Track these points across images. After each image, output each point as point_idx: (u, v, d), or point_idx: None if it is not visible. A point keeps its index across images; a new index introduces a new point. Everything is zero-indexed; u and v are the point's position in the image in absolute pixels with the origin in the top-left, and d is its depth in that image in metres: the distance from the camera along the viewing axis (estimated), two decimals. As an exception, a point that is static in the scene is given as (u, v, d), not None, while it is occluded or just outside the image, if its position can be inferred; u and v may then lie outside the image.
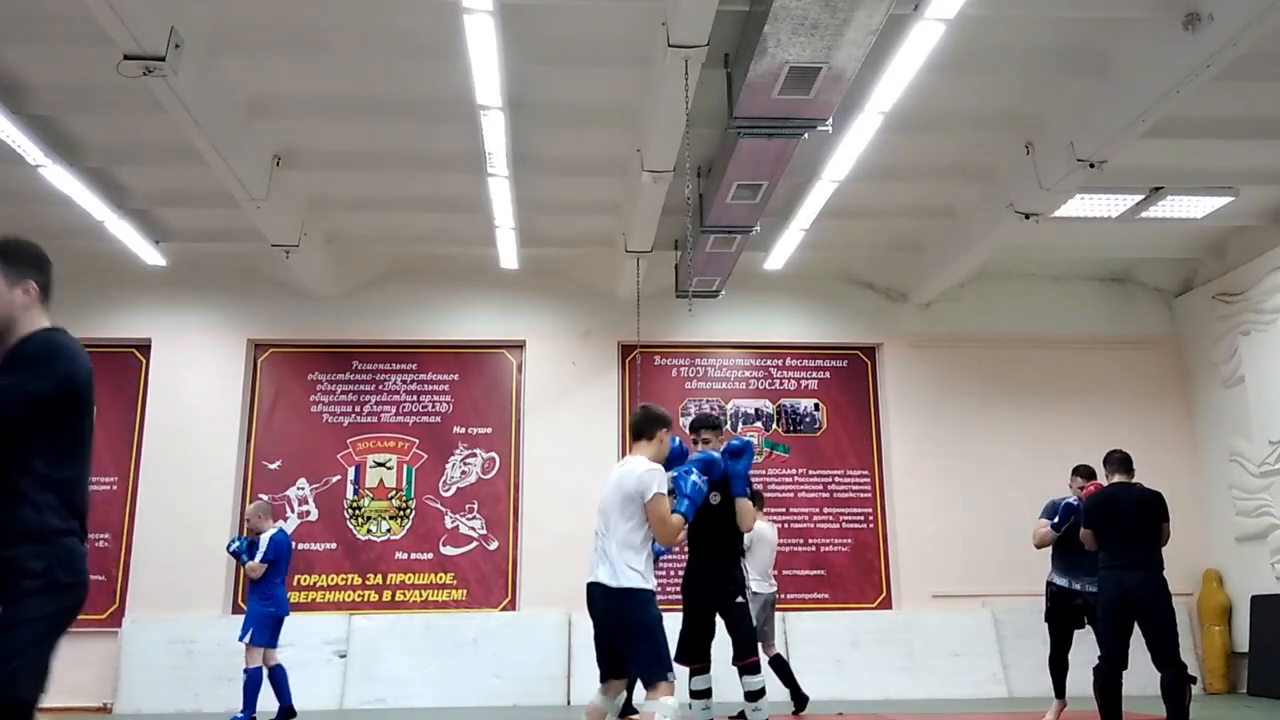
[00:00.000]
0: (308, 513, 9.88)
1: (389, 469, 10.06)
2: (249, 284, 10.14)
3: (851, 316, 10.58)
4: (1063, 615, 6.66)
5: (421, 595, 9.77)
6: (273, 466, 9.95)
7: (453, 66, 6.30)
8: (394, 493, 10.01)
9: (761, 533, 7.60)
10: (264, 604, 7.39)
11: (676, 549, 8.54)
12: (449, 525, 9.96)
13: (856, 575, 10.13)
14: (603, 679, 4.52)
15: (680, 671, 5.24)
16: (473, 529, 9.97)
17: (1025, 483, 9.42)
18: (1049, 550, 6.80)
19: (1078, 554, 6.28)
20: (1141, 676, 5.89)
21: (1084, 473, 6.69)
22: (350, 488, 10.00)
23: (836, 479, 10.36)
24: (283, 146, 7.82)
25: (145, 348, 10.01)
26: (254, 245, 8.98)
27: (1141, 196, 8.38)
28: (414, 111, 7.27)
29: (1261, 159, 8.14)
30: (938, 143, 7.97)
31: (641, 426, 4.60)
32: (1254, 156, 8.10)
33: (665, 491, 4.33)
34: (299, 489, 9.93)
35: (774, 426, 10.44)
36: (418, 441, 10.15)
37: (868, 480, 10.40)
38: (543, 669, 9.20)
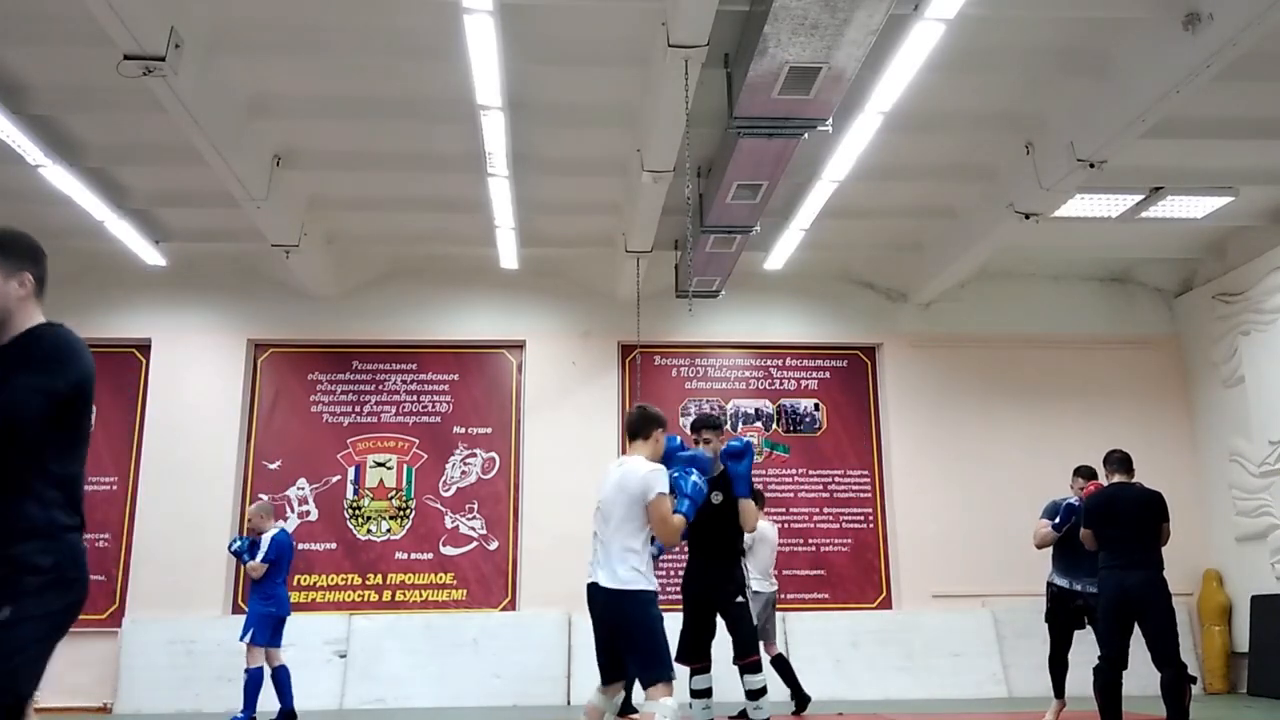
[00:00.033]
0: (308, 513, 9.88)
1: (389, 469, 10.07)
2: (249, 284, 10.14)
3: (851, 316, 10.58)
4: (1063, 616, 6.66)
5: (421, 595, 9.77)
6: (273, 466, 9.95)
7: (453, 66, 6.30)
8: (394, 493, 10.01)
9: (763, 532, 7.61)
10: (265, 604, 7.39)
11: (676, 548, 8.55)
12: (449, 525, 9.96)
13: (856, 575, 10.13)
14: (603, 679, 4.52)
15: (681, 671, 5.26)
16: (473, 529, 9.97)
17: (1025, 483, 9.42)
18: (1049, 550, 6.80)
19: (1078, 555, 6.28)
20: (1141, 676, 5.89)
21: (1085, 473, 6.69)
22: (350, 488, 10.00)
23: (836, 479, 10.37)
24: (283, 146, 7.83)
25: (145, 348, 10.02)
26: (254, 245, 8.99)
27: (1141, 196, 8.38)
28: (414, 111, 7.27)
29: (1261, 159, 8.14)
30: (938, 143, 7.97)
31: (637, 426, 4.60)
32: (1254, 156, 8.10)
33: (667, 492, 4.34)
34: (299, 489, 9.93)
35: (774, 426, 10.44)
36: (418, 441, 10.15)
37: (868, 480, 10.40)
38: (543, 669, 9.21)
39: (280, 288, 10.05)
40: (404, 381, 10.30)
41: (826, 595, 10.03)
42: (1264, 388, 9.32)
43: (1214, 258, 10.20)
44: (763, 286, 10.24)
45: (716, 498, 5.36)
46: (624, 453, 4.68)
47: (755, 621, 6.00)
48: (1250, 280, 9.53)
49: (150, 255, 9.37)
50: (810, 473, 10.35)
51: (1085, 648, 6.05)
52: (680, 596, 5.64)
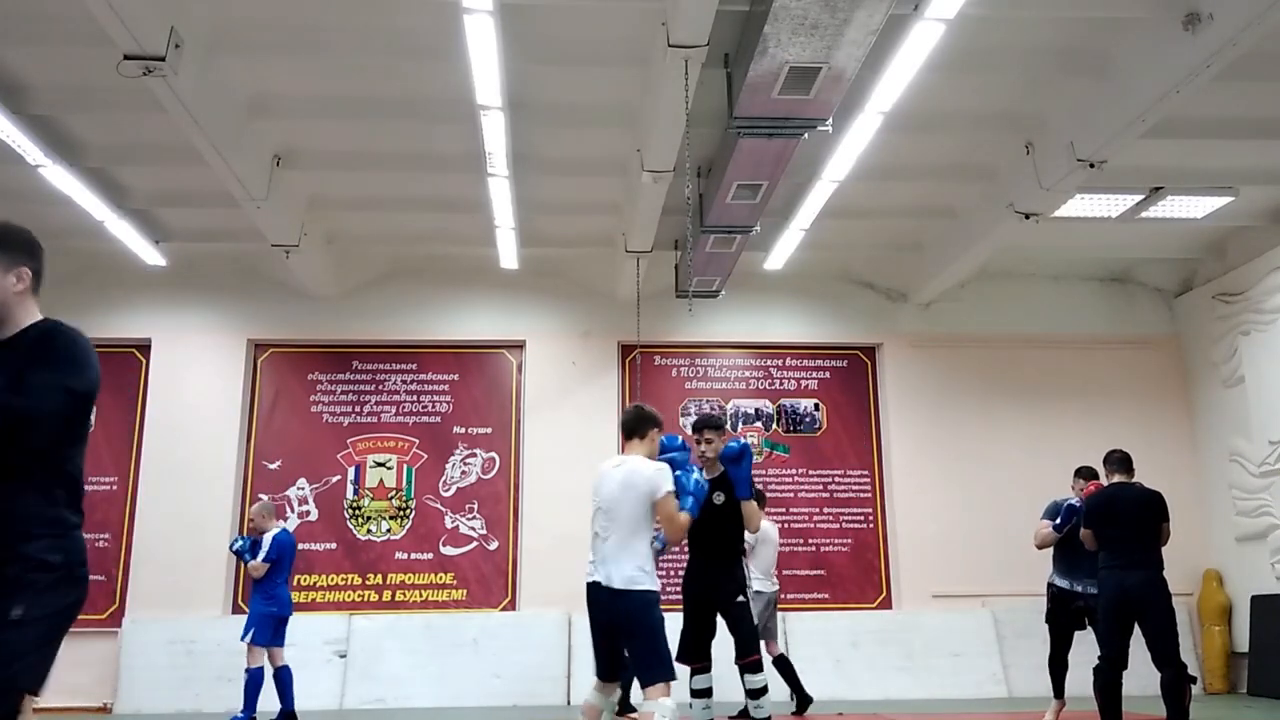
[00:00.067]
0: (308, 513, 9.88)
1: (389, 469, 10.07)
2: (249, 284, 10.14)
3: (851, 316, 10.59)
4: (1063, 616, 6.65)
5: (421, 595, 9.77)
6: (273, 466, 9.95)
7: (453, 66, 6.30)
8: (394, 493, 10.01)
9: (765, 533, 7.61)
10: (267, 604, 7.38)
11: (676, 548, 8.56)
12: (449, 525, 9.96)
13: (856, 575, 10.13)
14: (599, 678, 4.53)
15: (681, 671, 5.27)
16: (473, 529, 9.97)
17: (1025, 483, 9.42)
18: (1049, 551, 6.79)
19: (1079, 555, 6.26)
20: (1141, 676, 5.89)
21: (1086, 474, 6.67)
22: (350, 488, 10.00)
23: (836, 479, 10.37)
24: (283, 146, 7.83)
25: (145, 348, 10.02)
26: (254, 245, 8.99)
27: (1141, 196, 8.38)
28: (414, 111, 7.27)
29: (1261, 159, 8.14)
30: (938, 143, 7.97)
31: (634, 425, 4.63)
32: (1254, 156, 8.10)
33: (674, 489, 4.38)
34: (299, 489, 9.93)
35: (774, 426, 10.44)
36: (418, 441, 10.15)
37: (868, 480, 10.40)
38: (543, 669, 9.21)
39: (280, 288, 10.05)
40: (404, 381, 10.30)
41: (826, 595, 10.03)
42: (1264, 388, 9.32)
43: (1214, 258, 10.20)
44: (763, 286, 10.25)
45: (718, 498, 5.37)
46: (622, 452, 4.69)
47: (756, 621, 6.00)
48: (1250, 280, 9.53)
49: (150, 255, 9.38)
50: (810, 473, 10.35)
51: (1085, 648, 6.05)
52: (680, 596, 5.64)
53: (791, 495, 10.24)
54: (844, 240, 9.73)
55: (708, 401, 10.43)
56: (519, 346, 10.42)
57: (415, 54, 6.55)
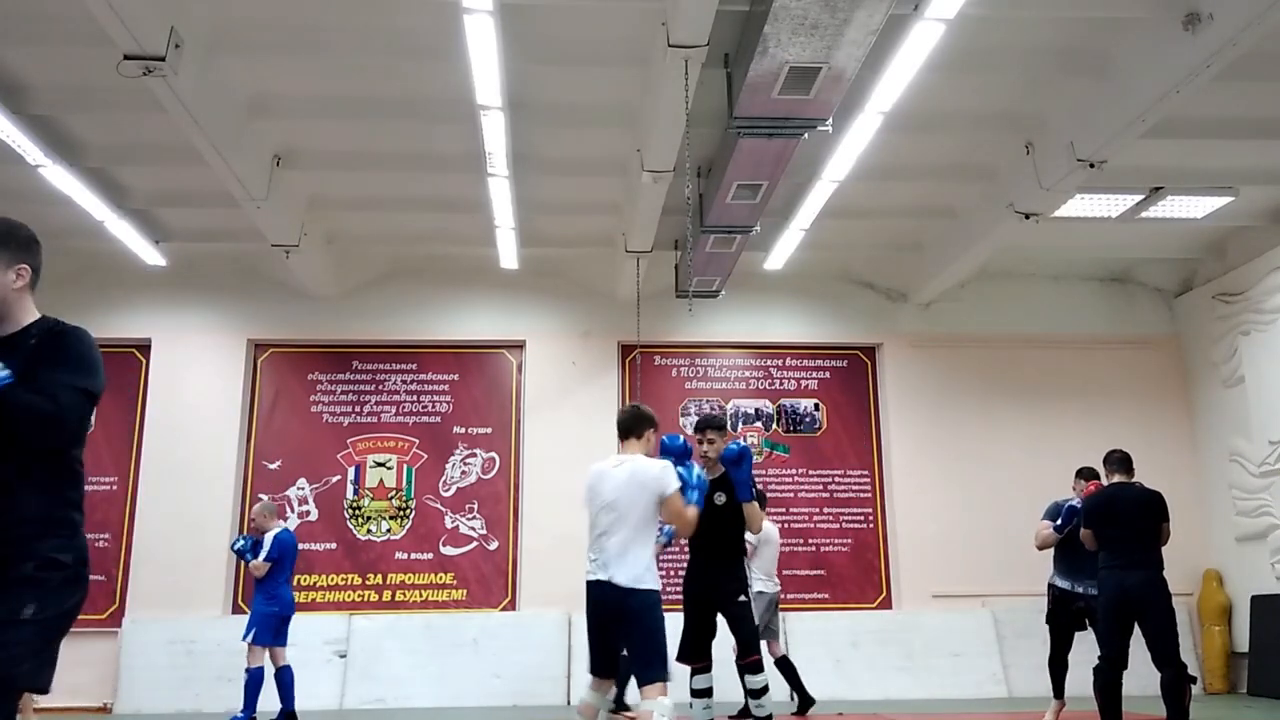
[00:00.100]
0: (308, 513, 9.88)
1: (389, 469, 10.07)
2: (249, 284, 10.14)
3: (851, 316, 10.58)
4: (1064, 617, 6.64)
5: (421, 595, 9.77)
6: (273, 466, 9.95)
7: (453, 66, 6.30)
8: (394, 493, 10.01)
9: (767, 533, 7.60)
10: (268, 604, 7.38)
11: (676, 547, 8.56)
12: (449, 525, 9.96)
13: (856, 575, 10.13)
14: (597, 675, 4.54)
15: (681, 671, 5.28)
16: (473, 529, 9.97)
17: (1025, 483, 9.43)
18: (1050, 551, 6.79)
19: (1080, 556, 6.25)
20: (1141, 676, 5.89)
21: (1087, 474, 6.66)
22: (350, 488, 10.00)
23: (836, 479, 10.37)
24: (283, 146, 7.83)
25: (145, 348, 10.03)
26: (254, 245, 8.99)
27: (1141, 196, 8.38)
28: (414, 111, 7.27)
29: (1261, 159, 8.14)
30: (938, 143, 7.97)
31: (630, 425, 4.68)
32: (1254, 156, 8.10)
33: (680, 486, 4.48)
34: (299, 489, 9.93)
35: (774, 426, 10.44)
36: (418, 441, 10.15)
37: (868, 480, 10.40)
38: (543, 669, 9.21)
39: (280, 288, 10.05)
40: (404, 381, 10.30)
41: (826, 595, 10.03)
42: (1264, 388, 9.32)
43: (1214, 258, 10.20)
44: (763, 286, 10.25)
45: (719, 498, 5.37)
46: (619, 452, 4.71)
47: (758, 622, 6.00)
48: (1250, 280, 9.53)
49: (150, 255, 9.38)
50: (810, 473, 10.35)
51: (1085, 648, 6.05)
52: (680, 596, 5.64)
53: (791, 495, 10.24)
54: (844, 240, 9.73)
55: (708, 401, 10.43)
56: (519, 346, 10.42)
57: (415, 54, 6.55)
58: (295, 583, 9.28)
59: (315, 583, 9.69)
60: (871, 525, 10.28)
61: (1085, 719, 6.07)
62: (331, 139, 7.83)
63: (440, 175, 8.28)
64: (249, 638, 7.32)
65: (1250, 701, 8.86)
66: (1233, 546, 9.70)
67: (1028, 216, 8.12)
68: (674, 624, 4.98)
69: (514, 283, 10.19)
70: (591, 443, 9.72)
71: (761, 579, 7.50)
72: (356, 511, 9.94)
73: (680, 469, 4.61)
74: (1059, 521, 6.52)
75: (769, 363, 10.61)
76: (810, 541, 10.16)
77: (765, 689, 5.45)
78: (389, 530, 9.91)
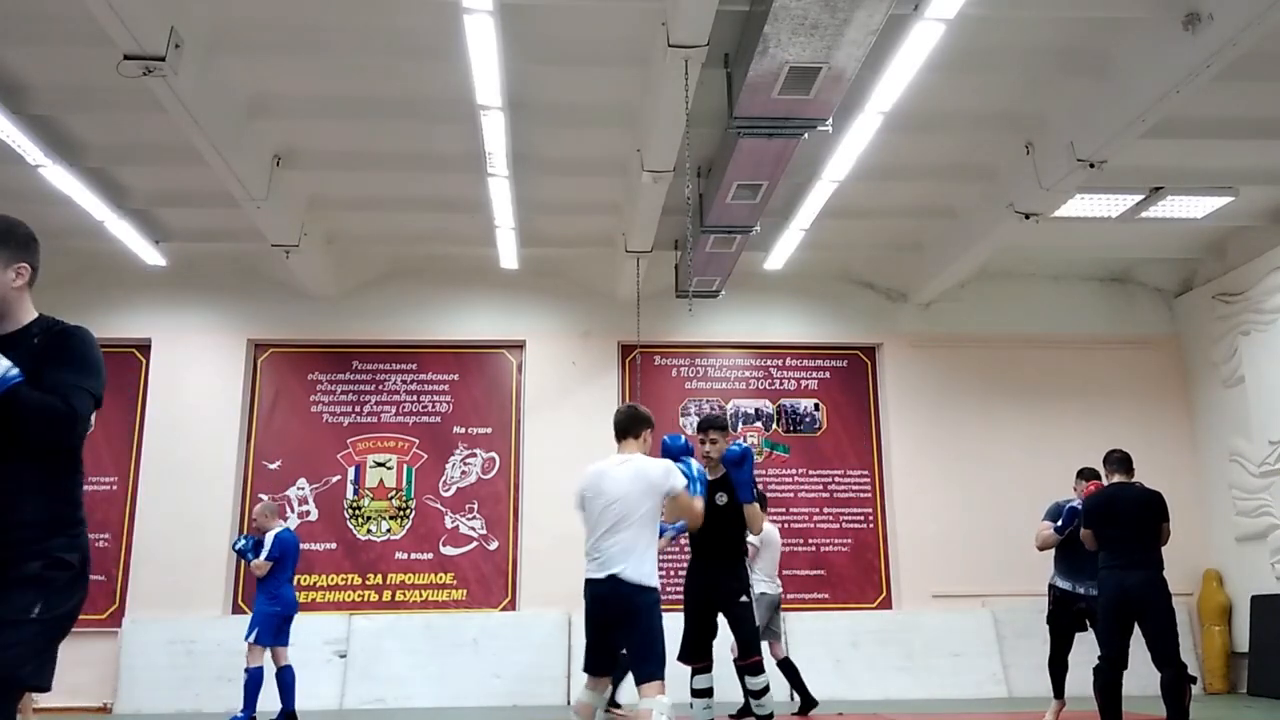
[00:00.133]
0: (308, 513, 9.88)
1: (389, 469, 10.07)
2: (249, 284, 10.14)
3: (851, 316, 10.58)
4: (1065, 618, 6.63)
5: (421, 595, 9.77)
6: (273, 466, 9.95)
7: (453, 66, 6.30)
8: (394, 493, 10.01)
9: (768, 535, 7.60)
10: (270, 604, 7.38)
11: (676, 548, 8.56)
12: (449, 525, 9.96)
13: (856, 575, 10.13)
14: (593, 674, 4.55)
15: (682, 671, 5.29)
16: (473, 529, 9.97)
17: (1025, 483, 9.43)
18: (1050, 551, 6.78)
19: (1081, 557, 6.24)
20: (1141, 676, 5.89)
21: (1088, 475, 6.66)
22: (350, 488, 10.00)
23: (836, 479, 10.37)
24: (283, 146, 7.83)
25: (145, 348, 10.03)
26: (254, 245, 8.99)
27: (1141, 196, 8.38)
28: (414, 111, 7.27)
29: (1261, 159, 8.14)
30: (938, 143, 7.97)
31: (628, 425, 4.74)
32: (1254, 156, 8.10)
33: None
34: (299, 489, 9.93)
35: (774, 426, 10.44)
36: (418, 441, 10.15)
37: (868, 480, 10.40)
38: (543, 669, 9.21)
39: (280, 288, 10.05)
40: (404, 381, 10.30)
41: (826, 595, 10.03)
42: (1264, 388, 9.32)
43: (1214, 258, 10.20)
44: (763, 286, 10.24)
45: (721, 498, 5.38)
46: (618, 452, 4.73)
47: (761, 623, 6.00)
48: (1250, 280, 9.53)
49: (150, 255, 9.38)
50: (810, 473, 10.35)
51: (1085, 648, 6.05)
52: (680, 596, 5.64)
53: (791, 495, 10.24)
54: (844, 240, 9.73)
55: (708, 401, 10.43)
56: (519, 346, 10.42)
57: (415, 54, 6.55)
58: (295, 583, 9.31)
59: (315, 583, 9.69)
60: (871, 525, 10.28)
61: (1085, 719, 6.06)
62: (331, 139, 7.83)
63: (440, 175, 8.28)
64: (251, 637, 7.32)
65: (1250, 701, 8.87)
66: (1233, 546, 9.70)
67: (1028, 216, 8.13)
68: (674, 624, 4.99)
69: (514, 283, 10.19)
70: (591, 443, 9.68)
71: (764, 581, 7.50)
72: (356, 511, 9.94)
73: (680, 464, 4.70)
74: (1060, 523, 6.51)
75: (769, 363, 10.61)
76: (810, 541, 10.16)
77: (766, 689, 5.46)
78: (389, 530, 9.91)
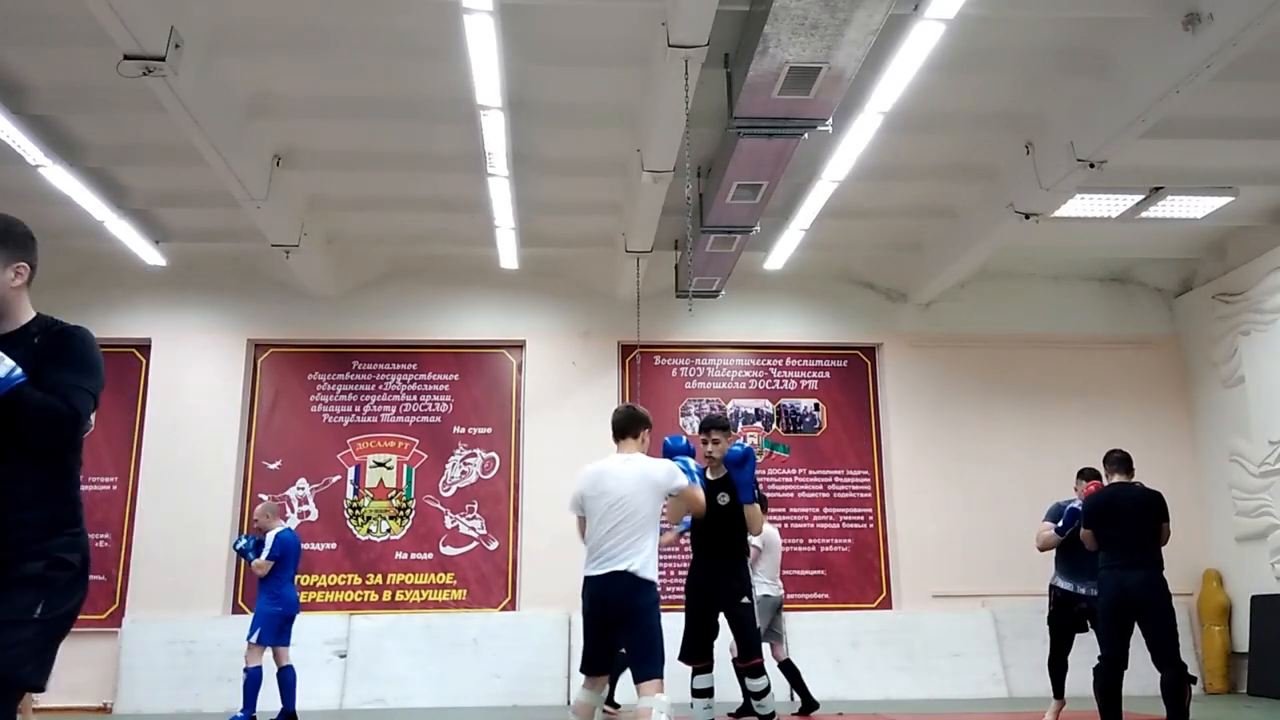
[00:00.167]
0: (308, 513, 9.88)
1: (389, 469, 10.07)
2: (249, 284, 10.14)
3: (851, 316, 10.58)
4: (1066, 619, 6.63)
5: (421, 595, 9.77)
6: (273, 466, 9.95)
7: (453, 66, 6.30)
8: (394, 493, 10.01)
9: (769, 536, 7.60)
10: (272, 604, 7.39)
11: (677, 548, 8.56)
12: (449, 525, 9.96)
13: (856, 575, 10.13)
14: (592, 673, 4.55)
15: (683, 670, 5.29)
16: (473, 529, 9.97)
17: (1025, 483, 9.43)
18: (1051, 551, 6.78)
19: (1082, 557, 6.23)
20: (1141, 676, 5.89)
21: (1088, 475, 6.65)
22: (350, 488, 10.00)
23: (836, 479, 10.36)
24: (283, 146, 7.83)
25: (145, 348, 10.03)
26: (254, 245, 8.99)
27: (1141, 196, 8.38)
28: (414, 111, 7.27)
29: (1261, 159, 8.14)
30: (938, 143, 7.97)
31: (626, 425, 4.78)
32: (1254, 156, 8.10)
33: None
34: (299, 489, 9.93)
35: (774, 426, 10.44)
36: (418, 441, 10.15)
37: (868, 480, 10.40)
38: (543, 669, 9.20)
39: (280, 288, 10.05)
40: (404, 381, 10.30)
41: (826, 595, 10.02)
42: (1264, 388, 9.32)
43: (1214, 258, 10.20)
44: (763, 286, 10.24)
45: (723, 499, 5.38)
46: (617, 452, 4.75)
47: (762, 625, 5.99)
48: (1250, 280, 9.53)
49: (150, 255, 9.38)
50: (810, 473, 10.35)
51: (1085, 648, 6.05)
52: (681, 597, 5.64)
53: (791, 495, 10.23)
54: (844, 240, 9.73)
55: (708, 401, 10.43)
56: (519, 346, 10.42)
57: (415, 54, 6.55)
58: (296, 583, 9.32)
59: (315, 583, 9.68)
60: (871, 525, 10.28)
61: (1085, 719, 6.06)
62: (331, 139, 7.83)
63: (440, 175, 8.28)
64: (254, 637, 7.32)
65: (1250, 701, 8.87)
66: (1233, 546, 9.70)
67: (1028, 216, 8.13)
68: (674, 624, 4.99)
69: (514, 283, 10.19)
70: (591, 443, 9.67)
71: (766, 583, 7.49)
72: (356, 511, 9.94)
73: (678, 463, 4.79)
74: (1060, 524, 6.51)
75: (769, 363, 10.61)
76: (810, 541, 10.16)
77: (767, 690, 5.46)
78: (389, 530, 9.91)
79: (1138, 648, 5.51)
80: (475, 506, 10.02)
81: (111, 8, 5.25)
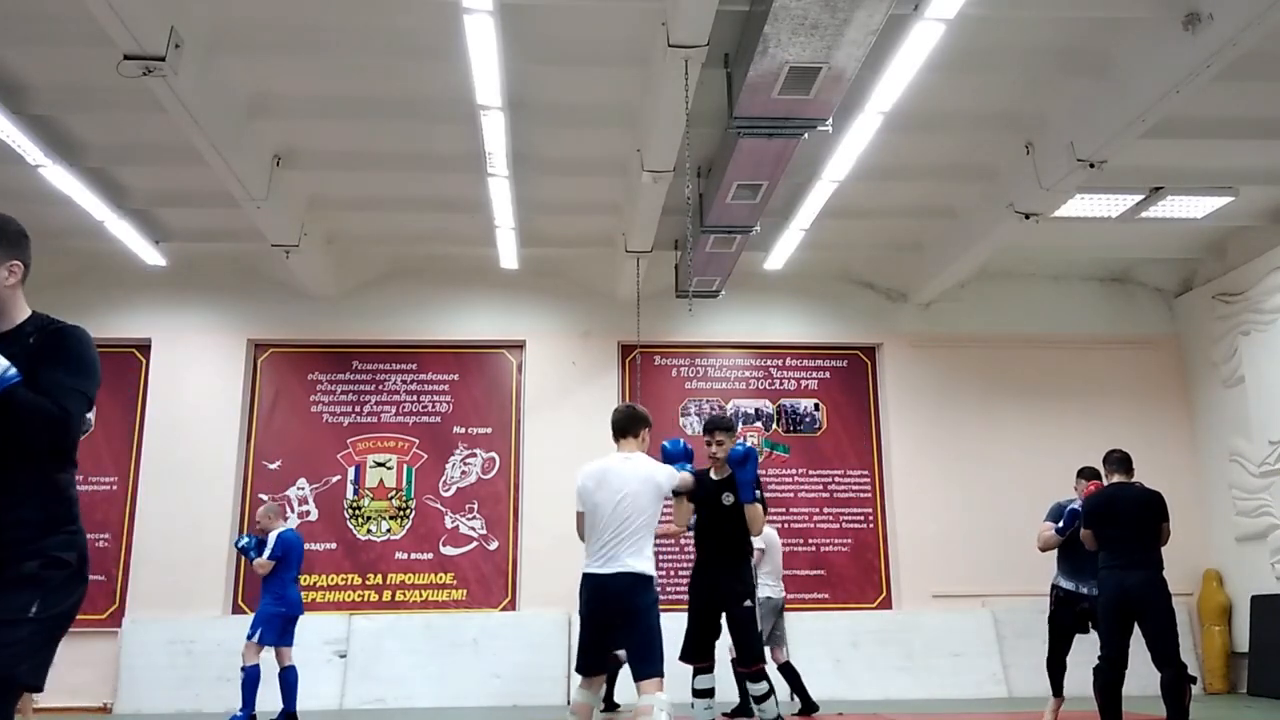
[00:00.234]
0: (308, 513, 9.88)
1: (389, 469, 10.06)
2: (249, 284, 10.14)
3: (851, 316, 10.58)
4: (1067, 619, 6.61)
5: (421, 595, 9.77)
6: (273, 466, 9.95)
7: (453, 66, 6.30)
8: (394, 493, 10.01)
9: (769, 537, 7.60)
10: (275, 604, 7.37)
11: (678, 548, 8.56)
12: (449, 525, 9.96)
13: (856, 575, 10.13)
14: (589, 673, 4.56)
15: (684, 670, 5.29)
16: (473, 529, 9.97)
17: (1025, 483, 9.43)
18: (1051, 551, 6.77)
19: (1083, 557, 6.21)
20: (1141, 676, 5.89)
21: (1088, 475, 6.65)
22: (350, 488, 10.00)
23: (836, 479, 10.36)
24: (283, 146, 7.83)
25: (145, 348, 10.03)
26: (254, 245, 8.99)
27: (1141, 196, 8.38)
28: (414, 111, 7.27)
29: (1261, 159, 8.14)
30: (938, 143, 7.97)
31: (626, 425, 4.80)
32: (1254, 156, 8.10)
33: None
34: (299, 489, 9.93)
35: (774, 426, 10.44)
36: (418, 441, 10.15)
37: (868, 480, 10.40)
38: (543, 669, 9.20)
39: (280, 288, 10.05)
40: (404, 381, 10.30)
41: (826, 595, 10.02)
42: (1264, 388, 9.32)
43: (1214, 258, 10.20)
44: (763, 286, 10.24)
45: (727, 499, 5.37)
46: (618, 451, 4.75)
47: (763, 626, 5.98)
48: (1250, 280, 9.53)
49: (150, 255, 9.38)
50: (810, 473, 10.34)
51: (1085, 648, 6.05)
52: (681, 597, 5.64)
53: (791, 495, 10.23)
54: (844, 240, 9.73)
55: (708, 401, 10.43)
56: (519, 346, 10.42)
57: (415, 54, 6.55)
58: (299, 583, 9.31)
59: (315, 583, 9.68)
60: (871, 525, 10.28)
61: (1085, 719, 6.06)
62: (331, 139, 7.83)
63: (440, 175, 8.28)
64: (255, 636, 7.30)
65: (1250, 701, 8.87)
66: (1233, 546, 9.70)
67: (1028, 216, 8.13)
68: (674, 624, 4.99)
69: (514, 283, 10.19)
70: (591, 443, 9.65)
71: (769, 584, 7.48)
72: (356, 511, 9.94)
73: (679, 466, 4.92)
74: (1061, 525, 6.50)
75: (769, 363, 10.61)
76: (810, 541, 10.16)
77: (769, 694, 5.44)
78: (389, 530, 9.91)
79: (1138, 648, 5.51)
80: (475, 506, 10.02)
81: (111, 8, 5.25)
